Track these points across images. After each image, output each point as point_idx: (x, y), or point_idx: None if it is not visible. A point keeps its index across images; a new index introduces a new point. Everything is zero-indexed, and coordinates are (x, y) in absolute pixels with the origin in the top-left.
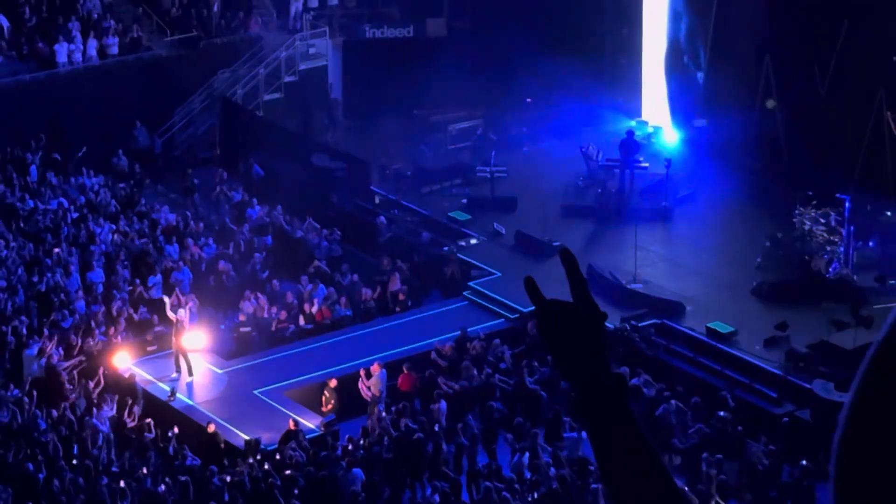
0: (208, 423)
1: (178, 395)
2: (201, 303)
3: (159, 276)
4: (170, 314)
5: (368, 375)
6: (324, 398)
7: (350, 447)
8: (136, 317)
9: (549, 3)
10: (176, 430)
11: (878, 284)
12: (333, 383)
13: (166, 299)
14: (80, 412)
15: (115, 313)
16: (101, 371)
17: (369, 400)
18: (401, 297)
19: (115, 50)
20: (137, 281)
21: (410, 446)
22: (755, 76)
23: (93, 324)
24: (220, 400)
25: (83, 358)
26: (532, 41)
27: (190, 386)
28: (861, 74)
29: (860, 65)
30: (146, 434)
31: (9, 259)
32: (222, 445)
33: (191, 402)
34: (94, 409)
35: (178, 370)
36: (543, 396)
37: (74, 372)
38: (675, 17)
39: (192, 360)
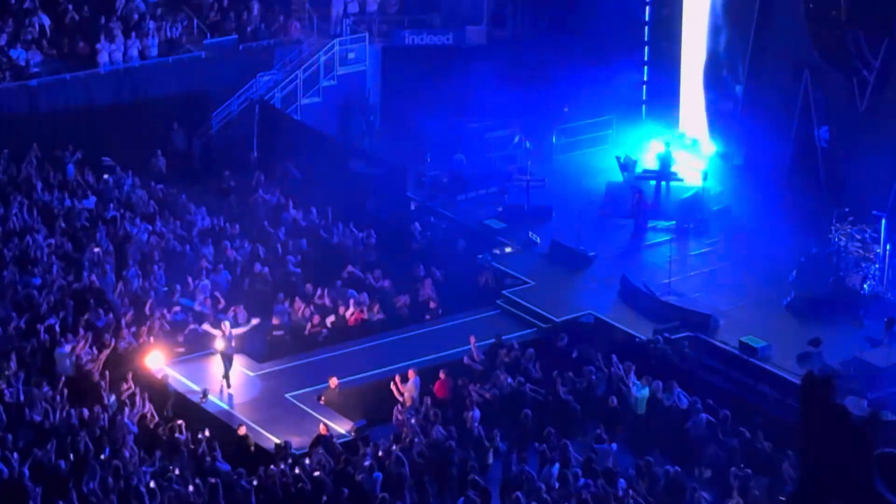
0: (239, 425)
1: (210, 397)
2: (236, 304)
3: (206, 281)
4: (211, 329)
5: (404, 380)
6: (324, 401)
7: (380, 453)
8: (169, 317)
9: (589, 14)
10: (207, 432)
11: None
12: (334, 383)
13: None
14: (111, 412)
15: (148, 313)
16: (133, 371)
17: (401, 405)
18: (432, 304)
19: (154, 51)
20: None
21: (441, 453)
22: (794, 90)
23: (125, 324)
24: (251, 403)
25: (108, 350)
26: (571, 51)
27: (222, 389)
28: None
29: None
30: (177, 435)
31: (45, 257)
32: (252, 448)
33: (223, 405)
34: (126, 409)
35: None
36: (576, 407)
37: (106, 371)
38: (714, 31)
39: (232, 370)
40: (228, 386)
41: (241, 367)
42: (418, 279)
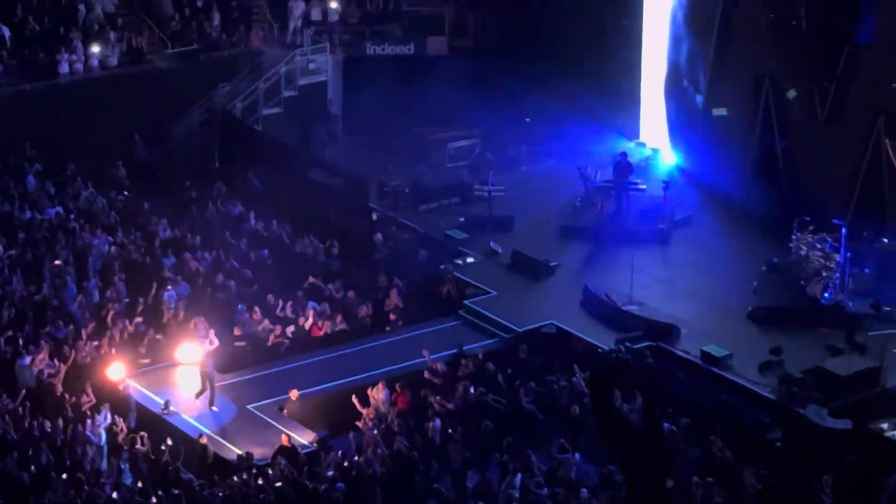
0: (200, 434)
1: (171, 408)
2: (196, 315)
3: (172, 291)
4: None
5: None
6: (287, 412)
7: (346, 463)
8: (131, 328)
9: (550, 25)
10: (169, 441)
11: (873, 311)
12: (295, 394)
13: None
14: (72, 423)
15: (110, 324)
16: (93, 383)
17: (370, 417)
18: (392, 317)
19: (115, 61)
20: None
21: (405, 464)
22: (755, 100)
23: (86, 335)
24: (213, 414)
25: (69, 362)
26: (532, 62)
27: (185, 400)
28: (860, 101)
29: (860, 92)
30: (138, 447)
31: (4, 269)
32: (210, 458)
33: (185, 416)
34: (89, 422)
35: (206, 397)
36: (539, 417)
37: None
38: (675, 41)
39: (215, 390)
40: (212, 405)
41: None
42: (380, 289)
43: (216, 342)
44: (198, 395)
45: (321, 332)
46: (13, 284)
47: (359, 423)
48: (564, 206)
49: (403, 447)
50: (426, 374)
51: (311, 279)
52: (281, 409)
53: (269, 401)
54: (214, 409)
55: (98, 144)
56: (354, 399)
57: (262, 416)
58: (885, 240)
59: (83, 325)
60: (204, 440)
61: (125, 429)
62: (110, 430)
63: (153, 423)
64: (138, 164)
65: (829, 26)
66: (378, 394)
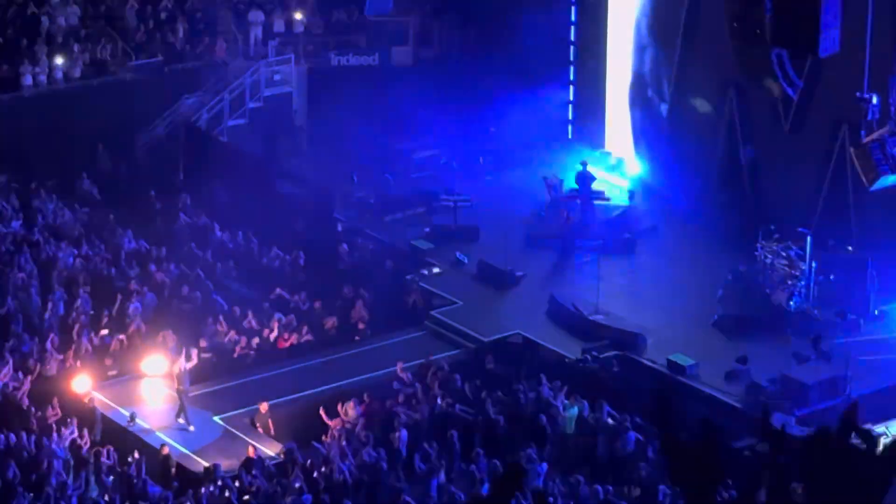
0: (162, 445)
1: (137, 420)
2: (163, 328)
3: (137, 303)
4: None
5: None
6: (258, 427)
7: (313, 474)
8: (96, 341)
9: (515, 34)
10: (137, 455)
11: (838, 319)
12: (265, 407)
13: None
14: (38, 437)
15: (75, 337)
16: (59, 396)
17: (337, 428)
18: (360, 325)
19: (79, 73)
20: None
21: (372, 474)
22: (719, 109)
23: (51, 348)
24: (179, 426)
25: (34, 375)
26: (497, 71)
27: (151, 412)
28: (824, 110)
29: (824, 100)
30: (104, 459)
31: None
32: (173, 469)
33: (150, 428)
34: (55, 435)
35: (184, 418)
36: (506, 427)
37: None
38: (640, 50)
39: (160, 393)
40: (189, 424)
41: (168, 389)
42: (346, 300)
43: (194, 358)
44: (178, 416)
45: (287, 344)
46: None
47: (325, 435)
48: (530, 215)
49: (370, 458)
50: (395, 385)
51: (277, 290)
52: (252, 423)
53: (235, 412)
54: (191, 428)
55: (62, 157)
56: (322, 412)
57: (228, 427)
58: (850, 248)
59: (48, 338)
60: (165, 451)
61: (89, 441)
62: (75, 443)
63: (119, 435)
64: (103, 175)
65: (793, 36)
66: (349, 411)
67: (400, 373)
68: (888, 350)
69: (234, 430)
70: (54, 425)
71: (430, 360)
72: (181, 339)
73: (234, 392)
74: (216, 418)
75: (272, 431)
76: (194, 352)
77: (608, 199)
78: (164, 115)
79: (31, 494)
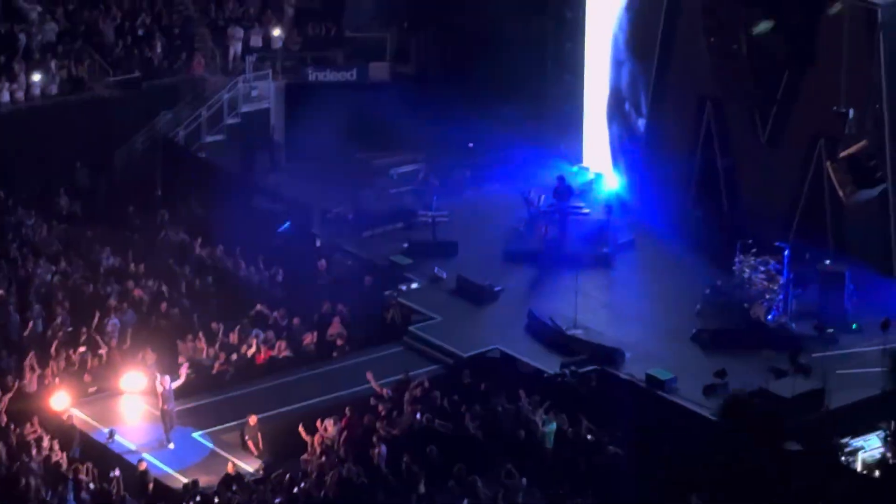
0: (139, 460)
1: (116, 437)
2: (142, 344)
3: (116, 319)
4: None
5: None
6: (248, 440)
7: (293, 490)
8: (75, 357)
9: (492, 49)
10: (118, 472)
11: (816, 333)
12: (254, 420)
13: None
14: (17, 454)
15: (54, 354)
16: (38, 413)
17: (317, 444)
18: (339, 342)
19: (57, 89)
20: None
21: (352, 490)
22: (696, 123)
23: (29, 365)
24: (159, 442)
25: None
26: (474, 87)
27: (129, 429)
28: (802, 124)
29: (801, 115)
30: (82, 476)
31: None
32: (151, 485)
33: (130, 445)
34: (33, 452)
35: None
36: (485, 443)
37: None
38: (617, 65)
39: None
40: (169, 442)
41: (148, 406)
42: (325, 316)
43: (182, 376)
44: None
45: (264, 358)
46: None
47: (306, 451)
48: (508, 230)
49: (351, 474)
50: (372, 401)
51: (258, 306)
52: (241, 436)
53: (214, 428)
54: (171, 445)
55: (40, 173)
56: (301, 428)
57: (207, 443)
58: (828, 261)
59: (26, 355)
60: (143, 466)
61: (66, 459)
62: (51, 460)
63: (98, 452)
64: (81, 192)
65: (769, 50)
66: (328, 429)
67: (372, 383)
68: (866, 363)
69: (213, 447)
70: (33, 442)
71: (409, 375)
72: (162, 356)
73: (214, 408)
74: (195, 435)
75: (261, 444)
76: (182, 369)
77: (586, 214)
78: (142, 131)
79: None
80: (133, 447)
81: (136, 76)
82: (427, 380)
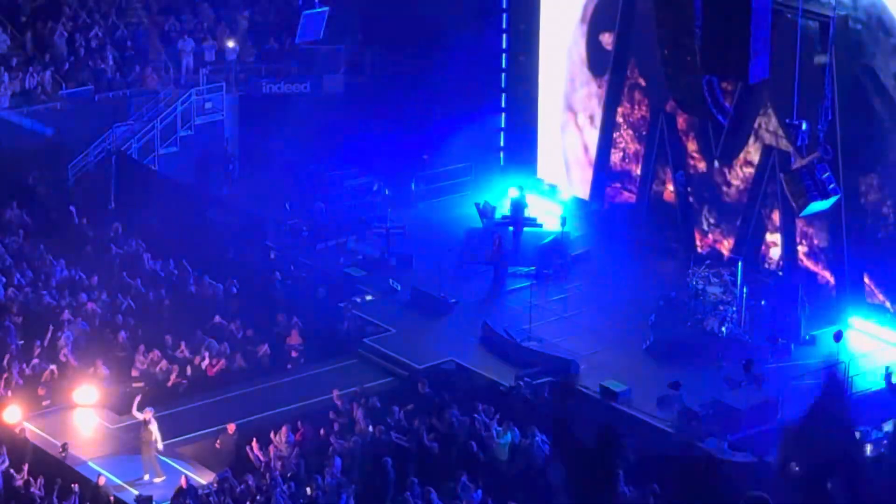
0: (98, 476)
1: (69, 451)
2: (95, 357)
3: (69, 332)
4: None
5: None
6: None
7: (248, 503)
8: (28, 371)
9: (446, 61)
10: (76, 487)
11: (769, 344)
12: (232, 428)
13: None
14: None
15: (6, 367)
16: None
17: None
18: (294, 353)
19: (8, 102)
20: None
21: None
22: (650, 137)
23: None
24: (112, 456)
25: None
26: (429, 99)
27: (83, 442)
28: (755, 136)
29: (754, 127)
30: (33, 490)
31: None
32: (111, 499)
33: (83, 458)
34: None
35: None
36: (439, 455)
37: None
38: (571, 77)
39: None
40: (145, 473)
41: (100, 419)
42: (280, 328)
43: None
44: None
45: (216, 370)
46: None
47: (260, 464)
48: (463, 242)
49: (306, 487)
50: (331, 415)
51: (217, 318)
52: (218, 444)
53: (168, 441)
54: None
55: None
56: (254, 441)
57: (162, 457)
58: (781, 273)
59: None
60: (102, 481)
61: (25, 475)
62: (7, 474)
63: (51, 466)
64: (33, 204)
65: (723, 63)
66: (281, 438)
67: (336, 401)
68: (818, 374)
69: (167, 460)
70: None
71: (363, 388)
72: (114, 370)
73: (168, 421)
74: None
75: (200, 457)
76: (103, 369)
77: (541, 226)
78: (95, 144)
79: None
80: (86, 460)
81: (89, 88)
82: (380, 393)
